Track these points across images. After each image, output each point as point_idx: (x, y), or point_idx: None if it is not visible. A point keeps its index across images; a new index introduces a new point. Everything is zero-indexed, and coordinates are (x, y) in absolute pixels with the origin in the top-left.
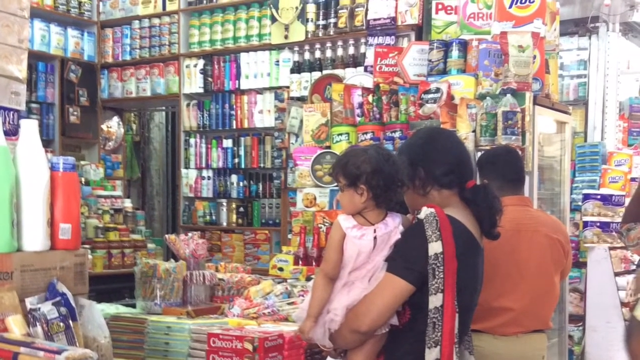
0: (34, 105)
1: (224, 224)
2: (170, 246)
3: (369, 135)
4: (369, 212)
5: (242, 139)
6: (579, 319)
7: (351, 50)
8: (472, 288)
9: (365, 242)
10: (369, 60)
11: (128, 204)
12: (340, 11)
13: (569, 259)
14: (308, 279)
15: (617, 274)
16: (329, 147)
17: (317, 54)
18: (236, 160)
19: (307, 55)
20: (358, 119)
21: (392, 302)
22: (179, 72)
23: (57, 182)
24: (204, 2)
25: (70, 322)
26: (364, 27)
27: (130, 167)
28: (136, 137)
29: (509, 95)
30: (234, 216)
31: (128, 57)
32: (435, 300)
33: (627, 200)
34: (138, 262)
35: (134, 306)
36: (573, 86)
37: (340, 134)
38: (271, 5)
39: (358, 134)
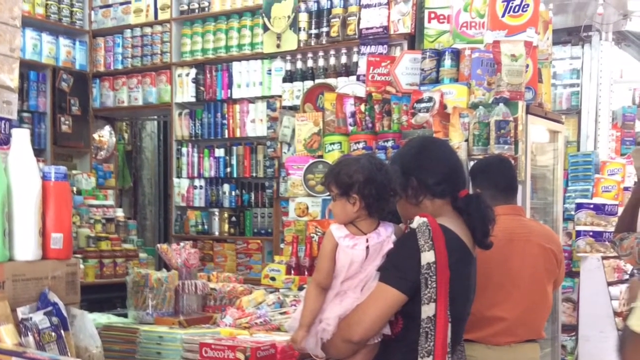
0: (25, 114)
1: (216, 233)
2: (162, 256)
3: (361, 145)
4: (361, 222)
5: (234, 148)
6: (571, 328)
7: (343, 59)
8: (465, 298)
9: (357, 251)
10: (362, 69)
11: (120, 213)
12: (332, 20)
13: (561, 269)
14: (300, 288)
15: (610, 284)
16: (321, 157)
17: (310, 63)
18: (228, 169)
19: (299, 64)
20: (350, 128)
21: (384, 312)
22: (171, 81)
23: (48, 191)
24: (196, 11)
25: (62, 331)
26: (357, 36)
27: (122, 177)
28: (128, 147)
29: (501, 105)
30: (226, 225)
31: (120, 66)
32: (427, 310)
33: (620, 210)
34: (130, 271)
35: (125, 316)
36: (566, 95)
37: (333, 143)
38: (263, 14)
39: (350, 143)
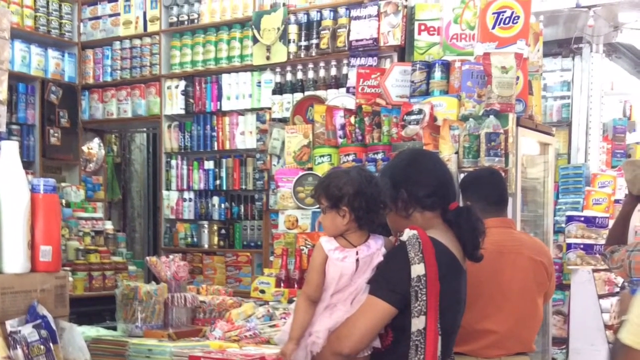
0: (14, 126)
1: (206, 246)
2: (152, 268)
3: (351, 157)
4: (351, 234)
5: (224, 160)
6: (562, 341)
7: (333, 72)
8: (455, 310)
9: (347, 264)
10: (351, 81)
11: (109, 226)
12: (322, 32)
13: (552, 282)
14: (290, 301)
15: (600, 297)
16: (311, 169)
17: (299, 75)
18: (218, 182)
19: (289, 77)
20: (340, 140)
21: (374, 325)
22: (160, 94)
23: (37, 204)
24: (185, 23)
25: (51, 344)
26: (346, 48)
27: (111, 189)
28: (117, 159)
29: (492, 117)
30: (216, 238)
31: (109, 78)
32: (417, 323)
33: (611, 222)
34: (119, 284)
35: (115, 329)
36: (556, 107)
37: (323, 156)
38: (253, 26)
39: (340, 156)
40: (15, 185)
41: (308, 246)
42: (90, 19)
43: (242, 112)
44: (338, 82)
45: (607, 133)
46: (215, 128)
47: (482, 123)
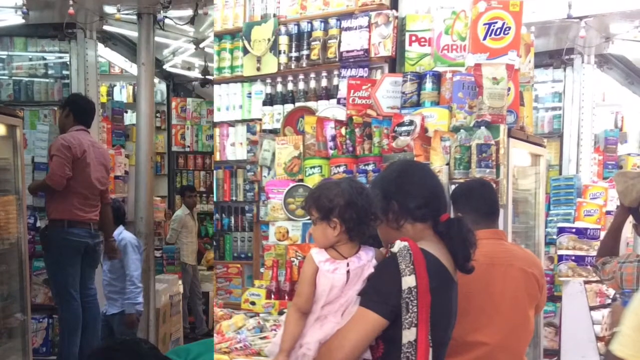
0: None
1: None
2: None
3: (342, 168)
4: (342, 246)
5: (214, 171)
6: (553, 353)
7: (324, 83)
8: (446, 322)
9: (338, 275)
10: (342, 92)
11: None
12: (313, 43)
13: (543, 293)
14: (280, 313)
15: (592, 308)
16: (301, 180)
17: (290, 86)
18: None
19: (279, 88)
20: (331, 151)
21: (365, 337)
22: None
23: None
24: None
25: None
26: (337, 59)
27: None
28: None
29: (483, 128)
30: None
31: None
32: (408, 335)
33: (603, 234)
34: None
35: None
36: (548, 118)
37: (313, 167)
38: (243, 37)
39: (331, 167)
40: None
41: (299, 258)
42: None
43: (232, 123)
44: (329, 93)
45: (599, 144)
46: None
47: (473, 134)
